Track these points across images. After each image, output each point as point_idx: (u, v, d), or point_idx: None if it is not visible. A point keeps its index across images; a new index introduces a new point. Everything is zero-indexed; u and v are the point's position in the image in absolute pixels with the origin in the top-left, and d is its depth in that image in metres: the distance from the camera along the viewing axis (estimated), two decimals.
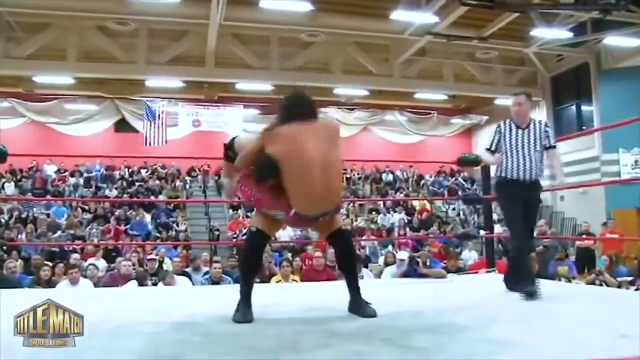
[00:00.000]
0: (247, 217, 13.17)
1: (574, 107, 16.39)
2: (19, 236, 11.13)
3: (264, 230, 2.92)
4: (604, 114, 14.35)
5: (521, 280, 3.47)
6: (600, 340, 2.27)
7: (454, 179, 18.29)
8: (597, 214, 13.64)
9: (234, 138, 3.18)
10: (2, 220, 12.18)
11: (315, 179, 2.70)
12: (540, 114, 16.87)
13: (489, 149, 3.99)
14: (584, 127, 15.43)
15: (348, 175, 17.79)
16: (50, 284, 6.35)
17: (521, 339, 2.37)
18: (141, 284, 6.60)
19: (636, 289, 6.45)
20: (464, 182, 17.98)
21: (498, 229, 12.36)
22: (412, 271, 5.87)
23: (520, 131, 3.89)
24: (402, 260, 7.43)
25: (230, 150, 3.11)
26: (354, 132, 18.75)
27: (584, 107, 15.98)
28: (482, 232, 5.86)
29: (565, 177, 15.52)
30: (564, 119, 16.65)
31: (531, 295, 3.36)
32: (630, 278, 7.43)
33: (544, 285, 4.03)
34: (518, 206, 3.76)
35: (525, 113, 3.92)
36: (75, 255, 7.94)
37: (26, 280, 6.87)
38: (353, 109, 18.53)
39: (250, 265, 3.00)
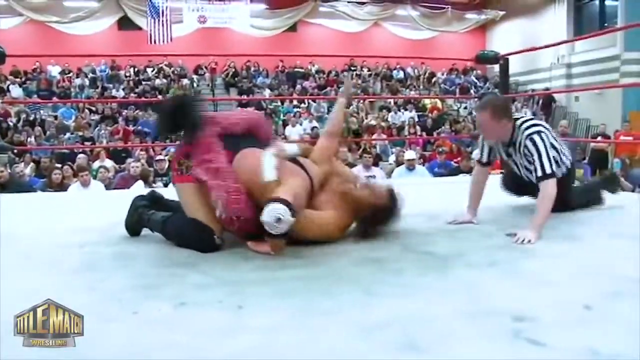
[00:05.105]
0: None
1: (597, 1, 15.45)
2: (29, 139, 11.10)
3: None
4: (630, 9, 13.29)
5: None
6: (622, 248, 2.20)
7: (466, 76, 17.85)
8: (613, 116, 13.27)
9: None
10: (11, 124, 12.09)
11: None
12: (560, 10, 16.09)
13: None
14: (606, 25, 14.67)
15: (358, 72, 17.43)
16: (62, 187, 6.36)
17: (542, 246, 2.31)
18: (146, 182, 6.63)
19: None
20: (476, 80, 17.56)
21: None
22: None
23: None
24: (410, 160, 7.35)
25: None
26: (364, 28, 18.20)
27: (608, 1, 15.06)
28: None
29: (583, 76, 15.04)
30: (586, 14, 15.80)
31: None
32: None
33: None
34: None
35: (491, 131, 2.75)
36: (81, 156, 7.89)
37: (38, 184, 6.89)
38: (364, 3, 17.84)
39: None
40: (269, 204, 2.01)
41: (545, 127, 2.74)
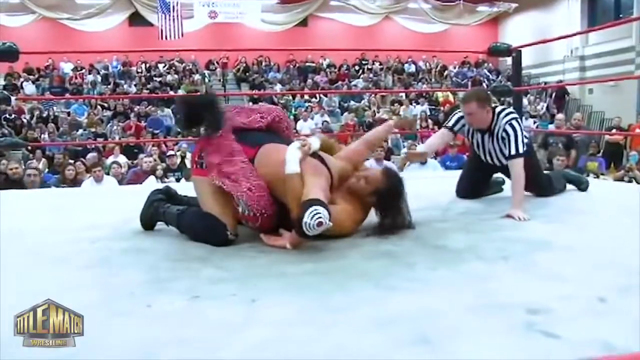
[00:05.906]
0: None
1: None
2: (42, 136, 11.19)
3: None
4: None
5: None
6: (634, 240, 2.18)
7: (478, 70, 17.73)
8: (628, 109, 13.07)
9: None
10: (25, 120, 12.21)
11: None
12: (574, 1, 15.88)
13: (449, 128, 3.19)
14: (621, 16, 14.44)
15: (370, 66, 17.37)
16: (75, 182, 6.41)
17: (556, 238, 2.30)
18: (157, 176, 6.73)
19: None
20: (488, 74, 17.44)
21: (529, 123, 12.08)
22: None
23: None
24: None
25: None
26: (376, 21, 18.11)
27: None
28: None
29: (597, 69, 14.85)
30: (600, 5, 15.51)
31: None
32: None
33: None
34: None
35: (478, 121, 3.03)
36: (92, 154, 7.96)
37: (52, 180, 6.95)
38: None
39: None
40: (312, 206, 1.96)
41: (517, 114, 3.11)
